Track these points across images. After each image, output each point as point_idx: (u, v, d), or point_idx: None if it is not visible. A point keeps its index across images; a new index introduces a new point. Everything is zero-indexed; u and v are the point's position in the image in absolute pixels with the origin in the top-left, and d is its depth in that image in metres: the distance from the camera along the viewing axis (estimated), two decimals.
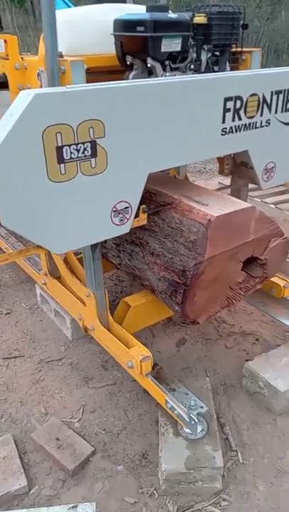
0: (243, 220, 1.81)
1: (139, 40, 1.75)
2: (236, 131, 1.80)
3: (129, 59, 1.87)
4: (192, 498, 1.68)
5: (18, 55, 1.84)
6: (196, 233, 1.74)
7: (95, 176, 1.45)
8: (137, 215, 1.67)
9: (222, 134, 1.75)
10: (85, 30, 1.94)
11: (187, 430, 1.75)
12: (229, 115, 1.74)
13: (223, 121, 1.73)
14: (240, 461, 1.82)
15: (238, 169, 2.23)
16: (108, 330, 2.01)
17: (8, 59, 1.84)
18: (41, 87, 1.66)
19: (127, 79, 1.87)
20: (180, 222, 1.82)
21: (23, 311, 2.77)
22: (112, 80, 1.46)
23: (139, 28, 1.73)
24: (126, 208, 1.60)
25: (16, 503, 1.67)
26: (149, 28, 1.71)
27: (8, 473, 1.73)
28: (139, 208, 1.67)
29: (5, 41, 1.82)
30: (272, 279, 2.22)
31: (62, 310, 2.47)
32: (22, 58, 1.84)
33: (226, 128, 1.75)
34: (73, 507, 1.44)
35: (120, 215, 1.60)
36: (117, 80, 1.53)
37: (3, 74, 1.87)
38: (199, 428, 1.76)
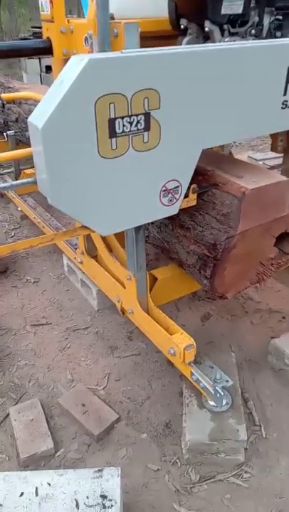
0: (279, 193, 1.75)
1: (197, 1, 1.60)
2: None
3: (183, 22, 1.72)
4: (214, 469, 1.70)
5: (64, 18, 1.72)
6: (229, 206, 1.70)
7: (147, 151, 1.35)
8: (186, 195, 1.59)
9: (282, 108, 1.63)
10: None
11: (212, 403, 1.76)
12: None
13: (285, 93, 1.60)
14: (263, 435, 1.83)
15: None
16: (148, 314, 1.95)
17: (53, 22, 1.72)
18: (90, 52, 1.55)
19: (180, 45, 1.74)
20: (212, 194, 1.77)
21: (50, 280, 2.80)
22: (164, 46, 1.34)
23: None
24: (176, 187, 1.51)
25: (43, 464, 1.73)
26: None
27: (36, 436, 1.78)
28: (189, 188, 1.58)
29: (50, 1, 1.69)
30: None
31: (88, 280, 2.49)
32: (68, 21, 1.73)
33: (286, 101, 1.63)
34: (99, 470, 1.48)
35: (170, 195, 1.51)
36: (168, 46, 1.40)
37: (48, 38, 1.75)
38: (224, 401, 1.76)
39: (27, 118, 3.19)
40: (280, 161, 4.20)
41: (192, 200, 1.65)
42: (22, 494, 1.41)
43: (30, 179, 1.38)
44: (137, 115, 1.27)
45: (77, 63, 1.14)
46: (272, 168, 2.04)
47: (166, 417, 1.90)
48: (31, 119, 1.20)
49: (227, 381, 1.80)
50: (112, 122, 1.23)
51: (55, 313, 2.52)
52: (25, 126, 3.22)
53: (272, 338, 2.13)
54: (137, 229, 1.75)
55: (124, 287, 2.03)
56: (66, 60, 1.71)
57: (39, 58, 6.47)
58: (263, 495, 1.63)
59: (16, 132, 3.39)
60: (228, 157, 2.16)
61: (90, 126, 1.20)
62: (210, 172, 1.83)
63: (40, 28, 1.82)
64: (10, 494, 1.41)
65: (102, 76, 1.17)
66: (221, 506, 1.59)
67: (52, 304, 2.59)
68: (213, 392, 1.71)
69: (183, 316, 2.48)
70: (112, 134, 1.25)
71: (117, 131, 1.25)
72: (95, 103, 1.18)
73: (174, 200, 1.54)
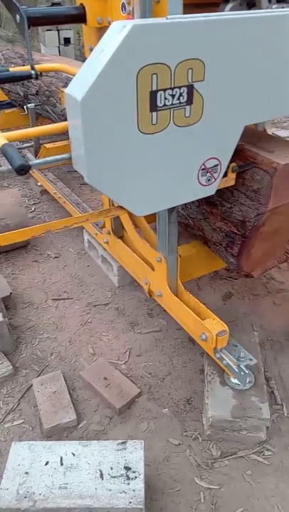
0: None
1: None
2: None
3: None
4: (236, 446, 1.70)
5: None
6: (259, 182, 1.65)
7: (188, 127, 1.29)
8: (225, 175, 1.52)
9: None
10: None
11: (235, 380, 1.75)
12: None
13: None
14: (285, 414, 1.82)
15: None
16: (177, 297, 1.90)
17: None
18: (129, 20, 1.45)
19: (223, 11, 1.63)
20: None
21: (70, 255, 2.80)
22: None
23: None
24: (215, 165, 1.44)
25: (66, 435, 1.75)
26: None
27: (59, 407, 1.80)
28: (228, 167, 1.52)
29: None
30: None
31: (109, 256, 2.48)
32: None
33: None
34: (123, 442, 1.49)
35: (208, 174, 1.45)
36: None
37: (81, 5, 1.64)
38: (247, 379, 1.75)
39: (48, 91, 3.13)
40: None
41: (231, 180, 1.59)
42: (47, 463, 1.44)
43: (65, 155, 1.33)
44: (180, 87, 1.21)
45: (119, 30, 1.07)
46: None
47: (187, 393, 1.91)
48: (69, 90, 1.14)
49: (251, 359, 1.79)
50: (153, 95, 1.17)
51: (76, 288, 2.52)
52: (45, 99, 3.17)
53: None
54: (171, 210, 1.69)
55: (153, 269, 1.98)
56: (100, 29, 1.66)
57: (58, 30, 6.33)
58: (284, 472, 1.63)
59: (36, 105, 3.34)
60: (258, 132, 2.09)
61: (132, 99, 1.14)
62: (239, 147, 1.78)
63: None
64: (35, 463, 1.44)
65: (147, 44, 1.10)
66: (241, 482, 1.60)
67: (73, 279, 2.59)
68: (237, 370, 1.70)
69: (204, 294, 2.46)
70: (153, 107, 1.19)
71: (158, 104, 1.19)
72: (137, 74, 1.11)
73: (213, 180, 1.47)
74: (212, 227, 1.88)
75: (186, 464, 1.65)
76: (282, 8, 1.57)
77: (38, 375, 1.98)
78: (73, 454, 1.46)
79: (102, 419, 1.81)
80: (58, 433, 1.75)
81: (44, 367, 2.03)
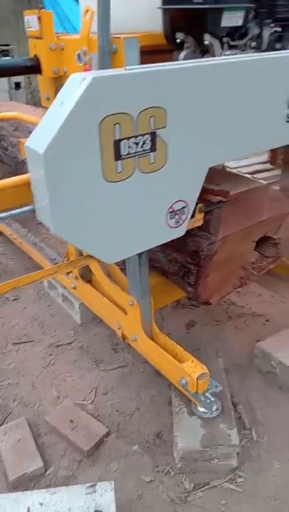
0: (257, 198, 1.79)
1: (196, 15, 1.51)
2: None
3: (179, 36, 1.63)
4: (208, 476, 1.69)
5: (53, 34, 1.62)
6: (208, 213, 1.72)
7: (153, 173, 1.30)
8: (192, 215, 1.53)
9: (287, 121, 1.59)
10: (126, 4, 1.68)
11: (202, 409, 1.75)
12: None
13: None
14: (255, 439, 1.83)
15: None
16: (153, 341, 1.88)
17: (41, 38, 1.62)
18: (85, 70, 1.48)
19: (177, 59, 1.66)
20: None
21: (30, 296, 2.75)
22: (157, 62, 1.27)
23: (196, 0, 1.49)
24: (183, 207, 1.45)
25: (33, 484, 1.67)
26: None
27: (24, 455, 1.73)
28: (195, 208, 1.53)
29: (38, 18, 1.60)
30: None
31: (70, 295, 2.46)
32: (58, 37, 1.64)
33: None
34: (92, 485, 1.45)
35: (177, 216, 1.45)
36: (162, 61, 1.37)
37: (35, 56, 1.66)
38: (214, 407, 1.76)
39: None
40: (251, 168, 4.31)
41: (199, 220, 1.61)
42: None
43: (27, 207, 1.29)
44: (143, 135, 1.22)
45: (79, 82, 1.07)
46: (272, 183, 2.00)
47: (156, 427, 1.88)
48: (29, 143, 1.12)
49: (216, 386, 1.80)
50: (117, 144, 1.17)
51: (37, 329, 2.47)
52: None
53: (258, 341, 2.15)
54: (141, 252, 1.68)
55: (126, 313, 1.95)
56: (57, 78, 1.68)
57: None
58: (258, 498, 1.62)
59: None
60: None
61: (95, 149, 1.14)
62: None
63: (5, 45, 1.77)
64: None
65: (107, 95, 1.11)
66: None
67: (33, 320, 2.54)
68: (202, 399, 1.71)
69: (167, 324, 2.48)
70: (118, 156, 1.19)
71: (123, 153, 1.20)
72: (99, 124, 1.12)
73: (181, 222, 1.48)
74: (168, 258, 1.93)
75: (160, 501, 1.61)
76: (235, 54, 1.64)
77: (1, 424, 1.90)
78: (41, 504, 1.40)
79: (71, 464, 1.75)
80: (25, 483, 1.67)
81: (7, 415, 1.95)
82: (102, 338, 2.37)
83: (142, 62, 1.32)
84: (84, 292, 2.31)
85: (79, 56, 1.50)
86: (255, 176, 3.98)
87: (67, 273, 2.38)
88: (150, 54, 1.70)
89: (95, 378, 2.13)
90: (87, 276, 2.26)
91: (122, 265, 1.98)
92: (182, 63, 1.30)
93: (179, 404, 1.82)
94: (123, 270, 1.96)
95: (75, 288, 2.37)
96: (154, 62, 1.27)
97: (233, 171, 2.01)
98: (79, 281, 2.30)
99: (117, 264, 2.09)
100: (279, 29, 1.78)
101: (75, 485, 1.52)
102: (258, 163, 4.20)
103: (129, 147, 1.21)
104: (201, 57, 1.67)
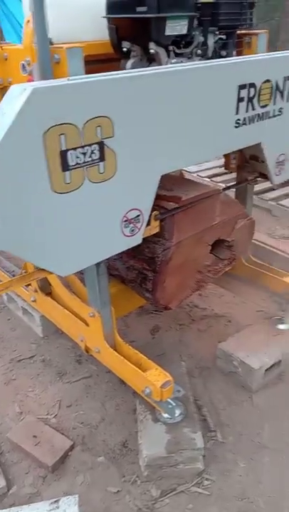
0: (209, 203, 1.82)
1: (139, 23, 1.52)
2: (250, 123, 1.67)
3: (126, 45, 1.64)
4: (175, 481, 1.69)
5: None
6: (162, 219, 1.73)
7: (104, 182, 1.29)
8: (148, 223, 1.53)
9: (236, 127, 1.62)
10: (71, 13, 1.67)
11: (165, 415, 1.75)
12: (243, 105, 1.61)
13: (237, 112, 1.60)
14: (220, 440, 1.85)
15: (246, 164, 2.07)
16: (116, 351, 1.84)
17: None
18: (29, 81, 1.46)
19: (124, 68, 1.67)
20: None
21: None
22: (104, 71, 1.27)
23: (139, 9, 1.50)
24: (137, 216, 1.45)
25: None
26: (152, 7, 1.47)
27: None
28: (150, 215, 1.53)
29: None
30: (285, 279, 2.22)
31: (30, 307, 2.42)
32: (1, 48, 1.63)
33: (239, 119, 1.62)
34: (55, 501, 1.42)
35: (131, 225, 1.45)
36: (110, 70, 1.33)
37: None
38: (177, 412, 1.77)
39: None
40: (212, 172, 4.39)
41: (155, 228, 1.60)
42: None
43: None
44: (90, 145, 1.21)
45: (19, 93, 1.05)
46: (227, 188, 2.02)
47: (122, 436, 1.87)
48: None
49: (178, 391, 1.81)
50: (64, 154, 1.16)
51: None
52: None
53: (220, 342, 2.17)
54: (98, 262, 1.64)
55: (88, 325, 1.92)
56: (2, 89, 1.64)
57: None
58: (224, 499, 1.63)
59: None
60: None
61: (40, 161, 1.12)
62: None
63: None
64: None
65: (49, 106, 1.09)
66: None
67: None
68: (164, 405, 1.71)
69: (132, 331, 2.48)
70: (65, 166, 1.18)
71: (70, 163, 1.18)
72: (43, 135, 1.10)
73: (137, 230, 1.48)
74: (126, 266, 1.92)
75: (127, 511, 1.60)
76: (181, 62, 1.65)
77: None
78: None
79: (35, 481, 1.71)
80: None
81: None
82: (65, 349, 2.34)
83: (93, 71, 1.30)
84: (44, 305, 2.27)
85: (23, 66, 1.48)
86: (214, 179, 4.07)
87: (27, 285, 2.34)
88: (102, 62, 1.72)
89: (59, 391, 2.10)
90: (46, 288, 2.21)
91: (82, 275, 1.96)
92: (125, 73, 1.30)
93: (143, 412, 1.82)
94: (83, 281, 1.94)
95: (34, 301, 2.32)
96: (107, 71, 1.27)
97: (187, 175, 2.03)
98: (38, 294, 2.25)
99: (76, 274, 2.07)
100: (224, 36, 1.83)
101: (39, 502, 1.49)
102: (218, 166, 4.32)
103: (77, 157, 1.20)
104: (148, 65, 1.69)
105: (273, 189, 3.91)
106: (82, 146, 1.20)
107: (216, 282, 2.52)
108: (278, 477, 1.70)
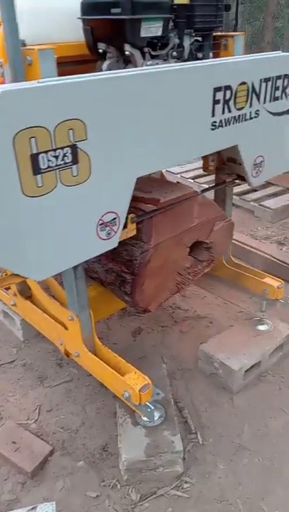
0: (187, 205, 1.82)
1: (114, 24, 1.52)
2: (226, 125, 1.66)
3: (101, 46, 1.64)
4: (154, 485, 1.68)
5: None
6: (140, 221, 1.72)
7: (78, 185, 1.28)
8: (124, 226, 1.52)
9: (212, 129, 1.61)
10: (45, 14, 1.66)
11: (145, 418, 1.75)
12: (219, 107, 1.60)
13: (213, 115, 1.59)
14: (200, 442, 1.85)
15: (224, 166, 2.09)
16: (95, 355, 1.84)
17: None
18: (2, 83, 1.45)
19: (100, 70, 1.65)
20: None
21: None
22: (81, 72, 1.26)
23: (114, 10, 1.49)
24: (113, 219, 1.43)
25: None
26: (126, 9, 1.47)
27: None
28: (127, 218, 1.51)
29: None
30: (264, 280, 2.23)
31: (10, 311, 2.40)
32: None
33: (215, 122, 1.61)
34: (32, 508, 1.41)
35: (107, 228, 1.43)
36: (87, 71, 1.33)
37: None
38: (157, 415, 1.76)
39: None
40: (195, 173, 4.40)
41: (131, 231, 1.60)
42: None
43: None
44: (62, 148, 1.20)
45: None
46: (206, 190, 2.02)
47: (102, 440, 1.86)
48: None
49: (158, 394, 1.81)
50: (35, 157, 1.15)
51: None
52: None
53: (201, 343, 2.18)
54: (75, 266, 1.64)
55: (67, 328, 1.91)
56: None
57: None
58: (204, 502, 1.64)
59: None
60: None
61: (10, 164, 1.11)
62: None
63: None
64: None
65: (18, 109, 1.09)
66: None
67: None
68: (143, 408, 1.71)
69: (113, 334, 2.47)
70: (37, 170, 1.16)
71: (42, 166, 1.17)
72: (13, 138, 1.09)
73: (113, 233, 1.46)
74: (105, 268, 1.92)
75: None
76: (156, 64, 1.65)
77: None
78: None
79: (14, 487, 1.69)
80: None
81: None
82: (46, 353, 2.32)
83: (68, 73, 1.28)
84: (24, 309, 2.25)
85: None
86: (197, 180, 4.08)
87: (6, 289, 2.32)
88: (78, 64, 1.71)
89: (39, 396, 2.08)
90: (26, 292, 2.19)
91: (61, 279, 1.94)
92: (97, 75, 1.29)
93: (123, 415, 1.81)
94: (62, 284, 1.93)
95: (14, 305, 2.30)
96: (84, 72, 1.26)
97: (168, 176, 2.03)
98: (18, 297, 2.23)
99: (55, 277, 2.06)
100: (199, 38, 1.83)
101: (17, 509, 1.47)
102: (202, 167, 4.34)
103: (49, 160, 1.19)
104: (125, 66, 1.68)
105: (255, 190, 3.94)
106: (54, 149, 1.19)
107: (198, 284, 2.52)
108: (257, 478, 1.71)
